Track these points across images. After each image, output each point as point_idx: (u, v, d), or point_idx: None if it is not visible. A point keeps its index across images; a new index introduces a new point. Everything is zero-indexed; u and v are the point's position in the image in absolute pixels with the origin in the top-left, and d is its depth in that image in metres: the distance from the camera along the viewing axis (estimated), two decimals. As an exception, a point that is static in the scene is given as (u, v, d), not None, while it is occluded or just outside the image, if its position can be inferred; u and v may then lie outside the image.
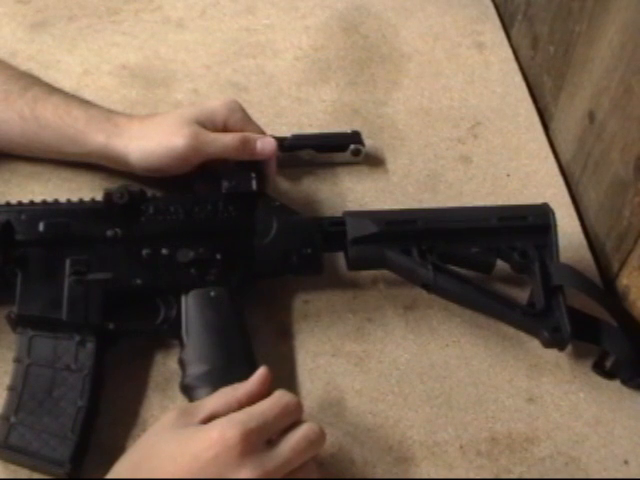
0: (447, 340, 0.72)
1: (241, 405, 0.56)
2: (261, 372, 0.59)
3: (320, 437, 0.56)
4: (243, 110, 0.75)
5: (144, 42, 0.95)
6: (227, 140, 0.72)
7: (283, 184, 0.81)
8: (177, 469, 0.52)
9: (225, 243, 0.69)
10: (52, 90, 0.77)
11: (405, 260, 0.70)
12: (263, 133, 0.76)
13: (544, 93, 0.93)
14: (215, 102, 0.75)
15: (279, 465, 0.53)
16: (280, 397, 0.56)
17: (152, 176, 0.74)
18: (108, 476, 0.55)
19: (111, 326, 0.65)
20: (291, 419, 0.56)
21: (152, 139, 0.72)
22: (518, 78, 0.96)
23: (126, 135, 0.73)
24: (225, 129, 0.74)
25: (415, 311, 0.73)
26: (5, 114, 0.74)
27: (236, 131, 0.74)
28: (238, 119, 0.74)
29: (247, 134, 0.73)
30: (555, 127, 0.90)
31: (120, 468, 0.55)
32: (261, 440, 0.54)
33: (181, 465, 0.52)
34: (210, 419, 0.55)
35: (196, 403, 0.58)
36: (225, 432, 0.53)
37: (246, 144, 0.72)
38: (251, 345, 0.66)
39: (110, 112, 0.76)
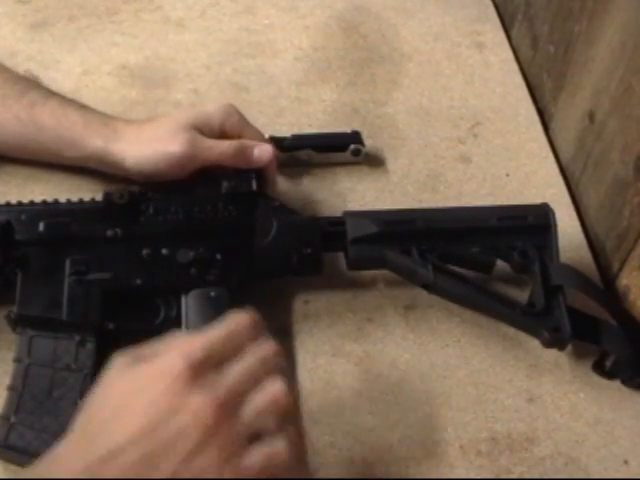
0: (447, 340, 0.72)
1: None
2: (216, 326, 0.54)
3: (275, 352, 0.53)
4: (240, 114, 0.75)
5: (144, 42, 0.95)
6: (223, 148, 0.71)
7: (283, 184, 0.81)
8: (128, 410, 0.50)
9: (225, 243, 0.69)
10: (49, 94, 0.76)
11: (405, 260, 0.70)
12: (261, 136, 0.76)
13: (544, 93, 0.93)
14: (212, 107, 0.75)
15: (231, 387, 0.50)
16: (232, 320, 0.53)
17: (149, 181, 0.74)
18: (67, 434, 0.52)
19: (111, 326, 0.65)
20: (243, 342, 0.53)
21: (149, 145, 0.72)
22: (518, 78, 0.96)
23: (123, 140, 0.72)
24: (222, 133, 0.73)
25: (415, 311, 0.73)
26: (2, 118, 0.74)
27: (233, 135, 0.73)
28: (235, 123, 0.74)
29: (244, 142, 0.72)
30: (555, 127, 0.90)
31: (76, 423, 0.52)
32: (210, 366, 0.51)
33: (132, 405, 0.50)
34: None
35: (145, 346, 0.53)
36: (171, 363, 0.50)
37: (243, 152, 0.72)
38: (251, 345, 0.66)
39: (108, 117, 0.75)
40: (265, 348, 0.53)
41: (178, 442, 0.49)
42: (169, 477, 0.49)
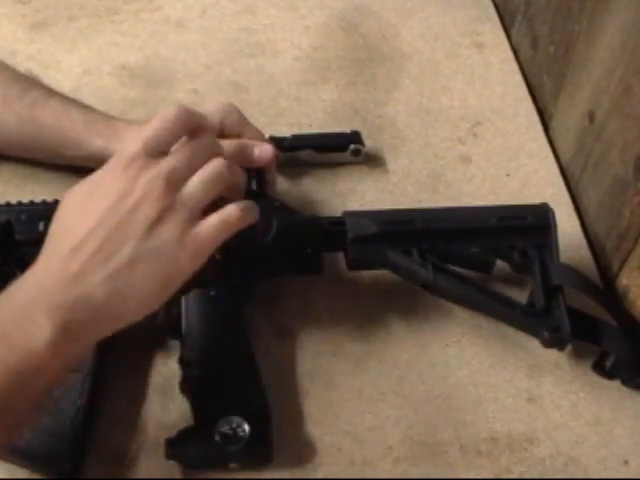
0: (447, 340, 0.72)
1: None
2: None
3: (213, 141, 0.58)
4: (240, 113, 0.75)
5: (144, 42, 0.95)
6: (223, 147, 0.71)
7: (283, 184, 0.81)
8: (86, 208, 0.53)
9: (225, 243, 0.68)
10: (51, 93, 0.76)
11: (405, 260, 0.70)
12: (261, 135, 0.75)
13: (544, 93, 0.93)
14: (211, 105, 0.75)
15: (177, 163, 0.54)
16: (175, 110, 0.56)
17: None
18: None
19: (111, 326, 0.65)
20: (187, 127, 0.56)
21: None
22: (518, 78, 0.96)
23: (124, 140, 0.72)
24: (221, 132, 0.73)
25: (415, 311, 0.73)
26: (3, 116, 0.74)
27: (233, 134, 0.73)
28: (234, 122, 0.74)
29: (244, 141, 0.72)
30: (555, 127, 0.90)
31: (43, 250, 0.54)
32: (154, 152, 0.54)
33: (89, 203, 0.53)
34: None
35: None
36: (124, 150, 0.54)
37: (243, 152, 0.71)
38: (251, 345, 0.66)
39: (109, 117, 0.76)
40: (206, 138, 0.57)
41: (133, 220, 0.52)
42: (132, 257, 0.52)
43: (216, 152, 0.58)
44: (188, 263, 0.54)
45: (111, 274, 0.51)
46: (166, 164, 0.54)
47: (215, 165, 0.56)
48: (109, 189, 0.53)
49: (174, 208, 0.53)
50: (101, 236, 0.52)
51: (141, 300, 0.53)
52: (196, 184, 0.55)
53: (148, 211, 0.52)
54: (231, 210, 0.56)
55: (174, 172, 0.54)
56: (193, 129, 0.57)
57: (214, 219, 0.55)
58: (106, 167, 0.55)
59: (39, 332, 0.49)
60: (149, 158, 0.54)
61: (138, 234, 0.52)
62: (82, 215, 0.53)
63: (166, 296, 0.54)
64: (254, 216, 0.58)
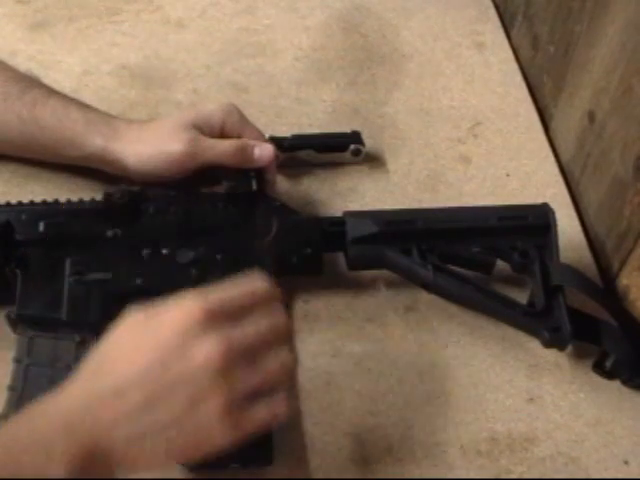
0: (447, 340, 0.72)
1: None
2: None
3: (284, 323, 0.54)
4: (241, 113, 0.75)
5: (144, 42, 0.95)
6: (224, 147, 0.72)
7: (283, 184, 0.81)
8: (138, 348, 0.50)
9: (225, 243, 0.69)
10: (51, 92, 0.76)
11: (405, 260, 0.70)
12: (262, 136, 0.76)
13: (544, 93, 0.93)
14: (212, 106, 0.75)
15: (241, 339, 0.51)
16: (249, 282, 0.55)
17: (149, 181, 0.74)
18: (72, 379, 0.52)
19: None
20: (258, 303, 0.54)
21: (149, 144, 0.72)
22: (518, 78, 0.96)
23: (124, 139, 0.73)
24: (222, 133, 0.73)
25: (415, 311, 0.73)
26: (4, 116, 0.74)
27: (234, 134, 0.73)
28: (236, 122, 0.74)
29: (245, 141, 0.73)
30: (555, 127, 0.90)
31: (84, 368, 0.52)
32: (224, 318, 0.52)
33: (142, 344, 0.50)
34: None
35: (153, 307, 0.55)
36: (186, 305, 0.51)
37: (243, 151, 0.72)
38: (251, 345, 0.66)
39: (109, 116, 0.76)
40: (277, 316, 0.54)
41: (184, 385, 0.49)
42: (168, 425, 0.49)
43: (283, 336, 0.55)
44: (221, 442, 0.51)
45: (141, 434, 0.49)
46: (234, 337, 0.51)
47: (283, 360, 0.53)
48: (167, 340, 0.50)
49: (226, 387, 0.50)
50: (147, 391, 0.49)
51: (160, 462, 0.50)
52: (259, 373, 0.52)
53: (200, 382, 0.50)
54: (281, 404, 0.53)
55: (240, 350, 0.51)
56: (265, 303, 0.54)
57: (263, 411, 0.52)
58: (172, 307, 0.52)
59: (52, 471, 0.47)
60: (220, 321, 0.51)
61: (183, 404, 0.49)
62: (133, 353, 0.50)
63: (186, 460, 0.53)
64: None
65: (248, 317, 0.53)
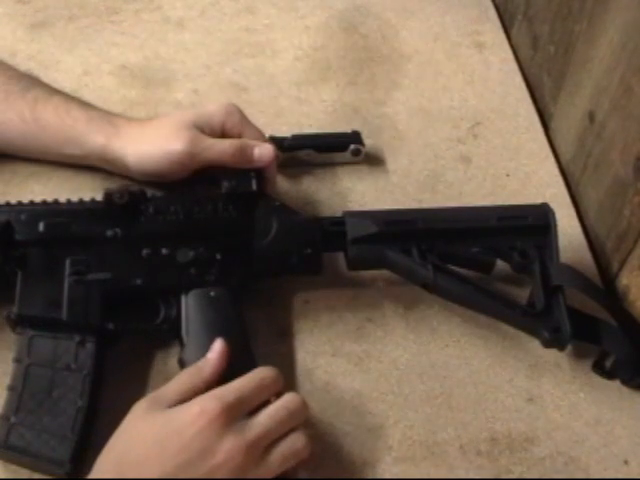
0: (447, 340, 0.72)
1: (207, 384, 0.58)
2: (217, 345, 0.61)
3: (299, 406, 0.58)
4: (241, 113, 0.75)
5: (144, 42, 0.95)
6: (224, 147, 0.71)
7: (283, 184, 0.81)
8: (163, 450, 0.54)
9: (225, 243, 0.69)
10: (52, 91, 0.77)
11: (405, 260, 0.70)
12: (262, 136, 0.76)
13: (544, 93, 0.93)
14: (213, 106, 0.75)
15: (260, 433, 0.55)
16: (257, 372, 0.59)
17: (149, 181, 0.74)
18: (91, 475, 0.55)
19: (111, 326, 0.65)
20: (269, 391, 0.58)
21: (150, 142, 0.72)
22: (518, 78, 0.96)
23: (125, 138, 0.73)
24: (223, 132, 0.73)
25: (415, 311, 0.73)
26: (5, 115, 0.74)
27: (234, 134, 0.73)
28: (236, 122, 0.74)
29: (245, 141, 0.72)
30: (555, 127, 0.90)
31: (104, 465, 0.55)
32: (241, 412, 0.56)
33: (167, 445, 0.54)
34: (179, 403, 0.56)
35: (162, 389, 0.59)
36: (206, 406, 0.55)
37: (243, 151, 0.72)
38: (251, 345, 0.66)
39: (110, 115, 0.76)
40: (290, 400, 0.58)
41: None
42: None
43: (297, 419, 0.58)
44: None
45: None
46: (252, 432, 0.55)
47: (298, 446, 0.57)
48: (190, 440, 0.54)
49: (248, 478, 0.55)
50: None
51: None
52: (275, 461, 0.56)
53: (222, 476, 0.54)
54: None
55: (258, 443, 0.55)
56: (278, 391, 0.59)
57: None
58: (192, 405, 0.56)
59: None
60: (238, 416, 0.56)
61: None
62: (158, 449, 0.54)
63: None
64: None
65: (262, 407, 0.57)
